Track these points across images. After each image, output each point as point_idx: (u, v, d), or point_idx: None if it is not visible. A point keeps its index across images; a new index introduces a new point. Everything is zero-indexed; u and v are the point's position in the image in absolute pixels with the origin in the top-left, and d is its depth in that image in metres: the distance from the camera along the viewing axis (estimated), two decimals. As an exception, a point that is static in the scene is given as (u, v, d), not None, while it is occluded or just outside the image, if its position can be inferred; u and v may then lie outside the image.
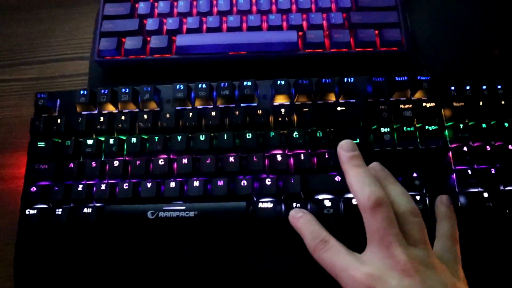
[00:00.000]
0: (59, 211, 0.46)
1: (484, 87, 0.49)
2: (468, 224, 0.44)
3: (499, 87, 0.48)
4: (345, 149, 0.41)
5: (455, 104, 0.48)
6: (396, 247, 0.35)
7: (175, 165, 0.47)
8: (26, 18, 0.62)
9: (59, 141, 0.49)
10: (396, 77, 0.49)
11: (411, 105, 0.48)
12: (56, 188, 0.47)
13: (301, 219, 0.41)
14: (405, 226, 0.37)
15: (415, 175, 0.46)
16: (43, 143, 0.49)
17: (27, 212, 0.47)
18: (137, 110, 0.50)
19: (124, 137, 0.49)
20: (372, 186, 0.37)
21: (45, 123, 0.49)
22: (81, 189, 0.47)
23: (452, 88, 0.49)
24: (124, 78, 0.56)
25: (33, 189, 0.47)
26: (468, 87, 0.49)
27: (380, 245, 0.36)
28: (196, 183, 0.46)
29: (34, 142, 0.49)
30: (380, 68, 0.54)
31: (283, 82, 0.49)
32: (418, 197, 0.45)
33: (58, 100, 0.52)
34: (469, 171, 0.46)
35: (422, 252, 0.36)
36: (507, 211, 0.44)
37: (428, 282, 0.33)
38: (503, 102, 0.48)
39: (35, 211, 0.47)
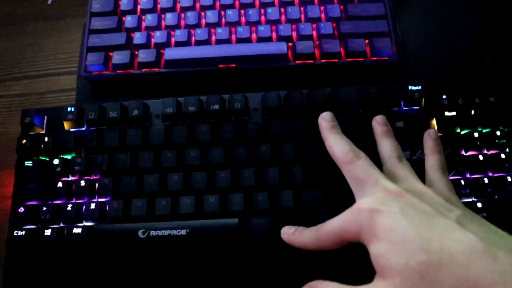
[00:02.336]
0: (48, 232, 0.45)
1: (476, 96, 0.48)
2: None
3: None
4: (326, 119, 0.44)
5: (446, 113, 0.48)
6: (383, 180, 0.36)
7: (165, 182, 0.46)
8: (11, 33, 0.61)
9: (47, 159, 0.48)
10: (387, 88, 0.48)
11: (402, 116, 0.47)
12: (45, 208, 0.46)
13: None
14: (392, 169, 0.39)
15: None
16: (31, 162, 0.48)
17: (15, 234, 0.46)
18: (126, 126, 0.49)
19: (113, 155, 0.48)
20: (348, 145, 0.40)
21: (32, 141, 0.48)
22: (70, 208, 0.46)
23: (444, 97, 0.49)
24: (112, 93, 0.56)
25: (21, 209, 0.46)
26: (459, 96, 0.48)
27: (367, 185, 0.37)
28: (187, 200, 0.45)
29: (21, 161, 0.48)
30: (371, 78, 0.54)
31: (273, 95, 0.48)
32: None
33: (45, 117, 0.51)
34: (462, 181, 0.45)
35: (412, 184, 0.37)
36: (501, 220, 0.44)
37: (425, 201, 0.34)
38: (494, 111, 0.48)
39: (23, 232, 0.46)
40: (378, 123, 0.44)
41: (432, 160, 0.41)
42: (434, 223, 0.32)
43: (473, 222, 0.32)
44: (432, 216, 0.32)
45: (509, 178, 0.45)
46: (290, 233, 0.41)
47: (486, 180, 0.45)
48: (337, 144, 0.41)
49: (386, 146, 0.42)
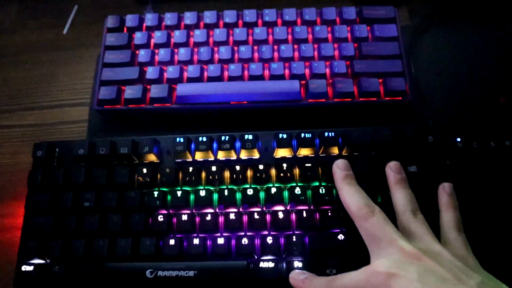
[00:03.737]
0: (56, 268, 0.45)
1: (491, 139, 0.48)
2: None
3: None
4: (340, 168, 0.43)
5: (461, 157, 0.47)
6: (399, 239, 0.36)
7: (174, 221, 0.46)
8: (26, 62, 0.62)
9: (58, 194, 0.48)
10: (400, 129, 0.48)
11: (416, 159, 0.47)
12: (54, 243, 0.46)
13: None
14: (407, 225, 0.38)
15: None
16: (41, 196, 0.48)
17: (23, 268, 0.46)
18: (136, 162, 0.49)
19: (123, 191, 0.48)
20: (364, 198, 0.40)
21: (43, 175, 0.48)
22: (79, 245, 0.46)
23: (458, 139, 0.48)
24: (124, 126, 0.56)
25: (30, 243, 0.46)
26: (474, 139, 0.48)
27: (382, 244, 0.36)
28: (196, 241, 0.45)
29: (32, 195, 0.48)
30: (384, 118, 0.53)
31: (285, 136, 0.48)
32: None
33: (57, 149, 0.51)
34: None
35: (429, 244, 0.36)
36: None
37: (444, 265, 0.33)
38: (510, 156, 0.47)
39: (31, 267, 0.46)
40: (392, 171, 0.43)
41: (448, 217, 0.41)
42: None
43: None
44: (452, 284, 0.31)
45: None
46: (299, 280, 0.41)
47: (501, 229, 0.44)
48: (351, 197, 0.40)
49: (401, 197, 0.41)
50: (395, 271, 0.33)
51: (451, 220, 0.40)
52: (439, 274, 0.32)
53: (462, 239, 0.39)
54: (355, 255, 0.43)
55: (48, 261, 0.46)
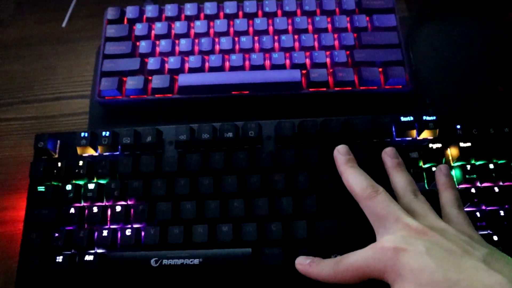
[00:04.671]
0: (59, 258, 0.45)
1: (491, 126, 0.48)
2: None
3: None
4: (341, 153, 0.44)
5: (461, 144, 0.47)
6: (405, 216, 0.36)
7: (178, 210, 0.46)
8: (25, 55, 0.62)
9: (60, 184, 0.48)
10: (401, 117, 0.48)
11: (417, 146, 0.47)
12: (57, 234, 0.46)
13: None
14: (409, 205, 0.39)
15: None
16: (43, 187, 0.48)
17: (26, 260, 0.45)
18: (139, 152, 0.49)
19: (126, 181, 0.48)
20: (367, 179, 0.40)
21: (44, 167, 0.48)
22: (82, 235, 0.46)
23: (458, 127, 0.48)
24: (125, 118, 0.56)
25: (33, 235, 0.46)
26: (474, 126, 0.48)
27: (388, 222, 0.37)
28: (200, 229, 0.45)
29: (33, 186, 0.48)
30: (385, 107, 0.54)
31: (287, 124, 0.48)
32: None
33: (58, 141, 0.51)
34: (478, 213, 0.45)
35: (433, 221, 0.37)
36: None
37: (450, 239, 0.34)
38: (509, 141, 0.47)
39: (34, 259, 0.45)
40: (388, 156, 0.44)
41: (447, 196, 0.41)
42: (461, 264, 0.31)
43: (499, 261, 0.32)
44: (459, 255, 0.32)
45: (526, 211, 0.45)
46: (306, 264, 0.41)
47: (502, 213, 0.45)
48: (354, 179, 0.41)
49: (400, 180, 0.42)
50: (403, 246, 0.33)
51: (451, 198, 0.41)
52: (446, 247, 0.33)
53: (464, 215, 0.39)
54: (359, 239, 0.44)
55: (51, 252, 0.46)
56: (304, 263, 0.41)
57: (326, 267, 0.39)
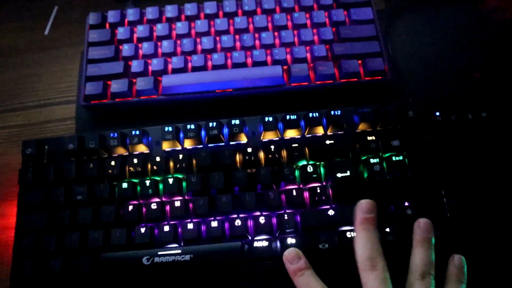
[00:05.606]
0: (52, 262, 0.46)
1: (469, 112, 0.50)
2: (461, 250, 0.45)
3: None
4: (362, 210, 0.43)
5: (441, 130, 0.49)
6: None
7: (167, 208, 0.47)
8: (9, 64, 0.62)
9: (49, 189, 0.49)
10: (382, 107, 0.49)
11: (398, 134, 0.48)
12: (48, 238, 0.46)
13: (297, 273, 0.42)
14: (411, 284, 0.40)
15: (407, 204, 0.46)
16: (33, 193, 0.48)
17: (19, 265, 0.46)
18: (126, 154, 0.50)
19: (115, 182, 0.48)
20: (371, 250, 0.40)
21: (33, 172, 0.49)
22: (74, 238, 0.46)
23: (437, 113, 0.50)
24: (111, 121, 0.56)
25: (25, 240, 0.46)
26: (452, 113, 0.49)
27: None
28: (190, 226, 0.46)
29: (23, 193, 0.48)
30: (366, 97, 0.55)
31: (271, 119, 0.49)
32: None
33: (46, 147, 0.51)
34: (460, 197, 0.46)
35: None
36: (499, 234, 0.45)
37: None
38: (487, 126, 0.49)
39: (27, 263, 0.46)
40: (420, 229, 0.43)
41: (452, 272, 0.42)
42: None
43: None
44: None
45: (505, 192, 0.46)
46: (292, 268, 0.42)
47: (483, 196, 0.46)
48: (360, 245, 0.41)
49: (417, 258, 0.41)
50: None
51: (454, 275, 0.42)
52: None
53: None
54: (346, 229, 0.45)
55: (43, 256, 0.46)
56: (290, 267, 0.43)
57: (303, 286, 0.41)
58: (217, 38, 0.56)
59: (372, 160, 0.48)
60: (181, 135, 0.50)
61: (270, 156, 0.48)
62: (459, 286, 0.41)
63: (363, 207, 0.43)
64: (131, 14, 0.58)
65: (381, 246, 0.41)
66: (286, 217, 0.46)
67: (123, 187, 0.48)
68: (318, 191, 0.46)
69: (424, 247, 0.42)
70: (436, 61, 0.58)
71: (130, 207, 0.47)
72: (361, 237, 0.42)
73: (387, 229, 0.45)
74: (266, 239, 0.45)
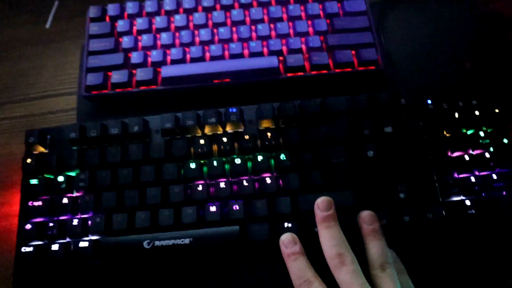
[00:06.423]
0: (55, 247, 0.47)
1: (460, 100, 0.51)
2: (453, 232, 0.46)
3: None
4: (321, 208, 0.44)
5: (432, 117, 0.50)
6: None
7: (167, 194, 0.48)
8: (12, 57, 0.63)
9: (52, 177, 0.50)
10: (375, 95, 0.51)
11: (391, 121, 0.50)
12: (51, 223, 0.48)
13: (291, 256, 0.43)
14: (374, 279, 0.40)
15: (399, 188, 0.47)
16: (36, 180, 0.49)
17: (22, 250, 0.47)
18: (127, 142, 0.51)
19: (116, 170, 0.50)
20: (337, 246, 0.41)
21: (36, 160, 0.50)
22: (76, 223, 0.48)
23: (429, 102, 0.51)
24: (112, 111, 0.58)
25: (28, 226, 0.48)
26: (444, 100, 0.51)
27: None
28: (189, 210, 0.47)
29: (26, 180, 0.50)
30: (360, 87, 0.57)
31: (267, 107, 0.50)
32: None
33: (48, 136, 0.52)
34: (451, 181, 0.48)
35: None
36: (488, 216, 0.47)
37: None
38: (477, 113, 0.50)
39: (31, 248, 0.47)
40: (364, 222, 0.44)
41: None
42: None
43: None
44: None
45: (494, 176, 0.48)
46: (286, 253, 0.43)
47: (473, 179, 0.48)
48: (325, 243, 0.42)
49: (372, 251, 0.42)
50: None
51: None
52: None
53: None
54: (340, 212, 0.46)
55: (46, 241, 0.48)
56: (285, 251, 0.43)
57: (294, 276, 0.42)
58: (215, 30, 0.58)
59: (365, 146, 0.49)
60: (180, 123, 0.51)
61: (267, 143, 0.49)
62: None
63: (320, 205, 0.44)
64: (131, 7, 0.59)
65: (346, 240, 0.42)
66: (282, 202, 0.47)
67: (124, 174, 0.49)
68: (314, 177, 0.48)
69: (375, 238, 0.43)
70: (428, 51, 0.60)
71: (131, 193, 0.48)
72: (324, 235, 0.42)
73: (381, 213, 0.46)
74: (263, 224, 0.46)
